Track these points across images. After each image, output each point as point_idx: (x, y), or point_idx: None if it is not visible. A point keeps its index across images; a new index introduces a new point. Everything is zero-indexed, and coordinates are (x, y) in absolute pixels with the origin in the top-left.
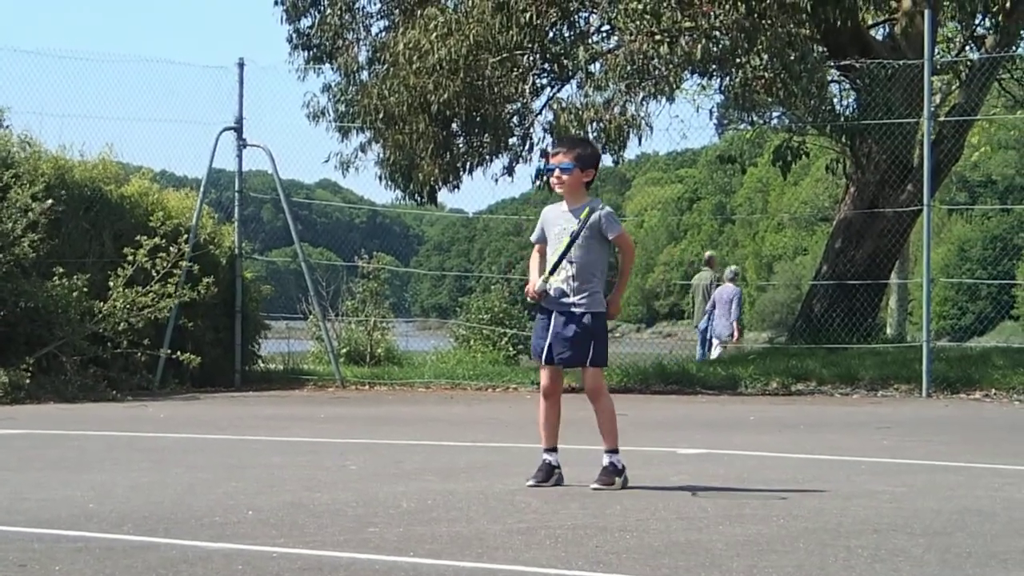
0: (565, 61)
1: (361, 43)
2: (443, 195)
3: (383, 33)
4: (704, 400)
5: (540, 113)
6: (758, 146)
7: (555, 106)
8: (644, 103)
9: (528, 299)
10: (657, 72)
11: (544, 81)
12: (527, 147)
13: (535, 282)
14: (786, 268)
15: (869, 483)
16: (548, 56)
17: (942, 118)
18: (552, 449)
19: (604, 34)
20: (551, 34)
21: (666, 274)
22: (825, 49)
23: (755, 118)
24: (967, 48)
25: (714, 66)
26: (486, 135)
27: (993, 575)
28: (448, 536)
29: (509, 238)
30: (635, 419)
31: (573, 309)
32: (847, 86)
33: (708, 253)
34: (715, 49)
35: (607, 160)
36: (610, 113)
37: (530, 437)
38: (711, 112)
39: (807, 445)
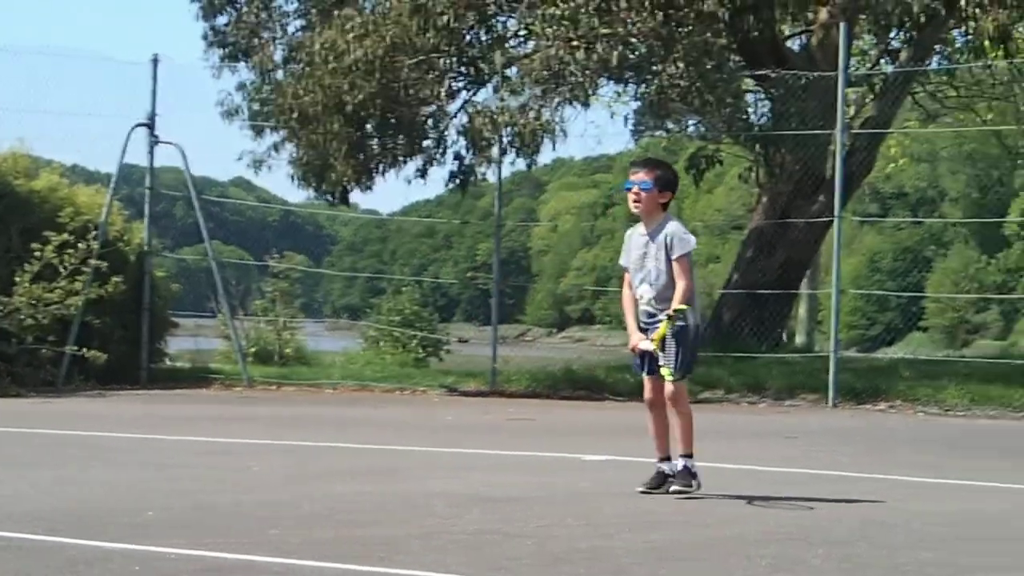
0: (482, 65)
1: (277, 42)
2: (356, 196)
3: (299, 33)
4: (613, 406)
5: (455, 116)
6: (673, 153)
7: (470, 109)
8: (559, 108)
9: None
10: (573, 78)
11: (460, 84)
12: (441, 150)
13: (635, 338)
14: (698, 275)
15: (773, 492)
16: (465, 59)
17: (855, 130)
18: (665, 458)
19: (521, 39)
20: (468, 38)
21: (579, 279)
22: (741, 59)
23: (670, 125)
24: (882, 61)
25: (630, 73)
26: (400, 137)
27: None
28: (351, 539)
29: (422, 240)
30: (542, 424)
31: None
32: (762, 96)
33: None
34: (632, 56)
35: (521, 164)
36: (525, 117)
37: (436, 440)
38: (626, 119)
39: (713, 454)
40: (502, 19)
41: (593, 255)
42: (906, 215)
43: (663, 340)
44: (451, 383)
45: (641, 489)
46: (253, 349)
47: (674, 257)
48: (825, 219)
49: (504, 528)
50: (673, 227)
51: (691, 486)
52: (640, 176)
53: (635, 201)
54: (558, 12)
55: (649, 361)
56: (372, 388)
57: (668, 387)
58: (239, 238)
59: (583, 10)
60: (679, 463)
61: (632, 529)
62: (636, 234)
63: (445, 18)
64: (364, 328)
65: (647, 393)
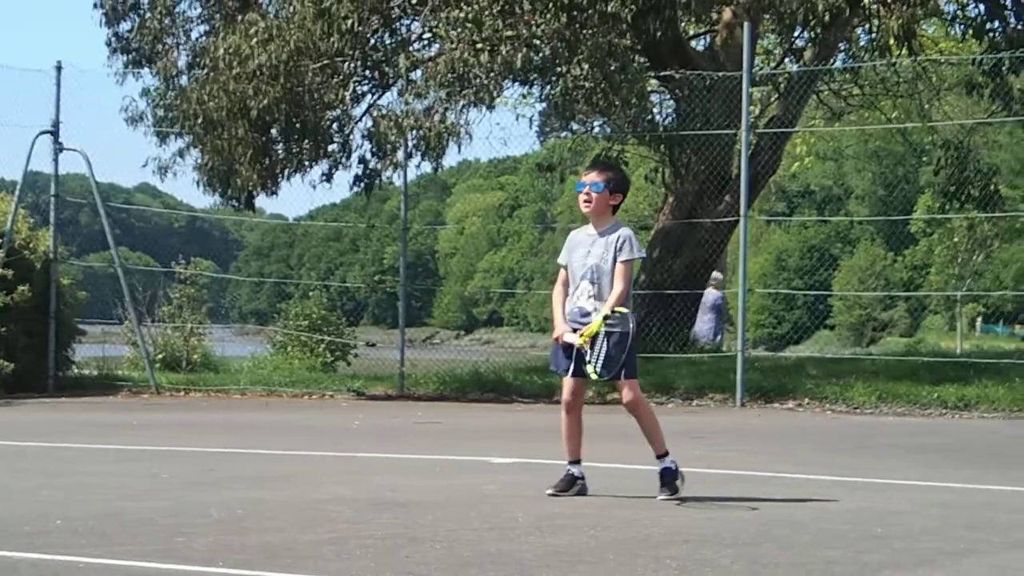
0: (386, 68)
1: (181, 48)
2: (262, 200)
3: (203, 38)
4: (521, 409)
5: (360, 120)
6: (579, 154)
7: (375, 113)
8: (464, 111)
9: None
10: (478, 80)
11: (365, 88)
12: (346, 154)
13: (560, 328)
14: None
15: (681, 493)
16: (369, 63)
17: (760, 129)
18: (575, 461)
19: (426, 42)
20: (372, 41)
21: (486, 281)
22: (646, 60)
23: (576, 127)
24: (786, 60)
25: (535, 75)
26: (306, 141)
27: None
28: (258, 546)
29: (329, 244)
30: (450, 427)
31: (606, 329)
32: (667, 96)
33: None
34: (536, 58)
35: (426, 167)
36: (430, 121)
37: (344, 445)
38: (531, 120)
39: (620, 455)
40: (406, 22)
41: (500, 257)
42: (812, 213)
43: (593, 338)
44: (359, 387)
45: (550, 492)
46: (160, 355)
47: (621, 259)
48: (731, 219)
49: (412, 532)
50: (627, 232)
51: (678, 489)
52: (592, 177)
53: (586, 201)
54: (462, 15)
55: (576, 362)
56: (280, 393)
57: (627, 394)
58: (145, 244)
59: (487, 12)
60: (658, 467)
61: (540, 532)
62: (582, 234)
63: (349, 22)
64: (272, 333)
65: (566, 395)
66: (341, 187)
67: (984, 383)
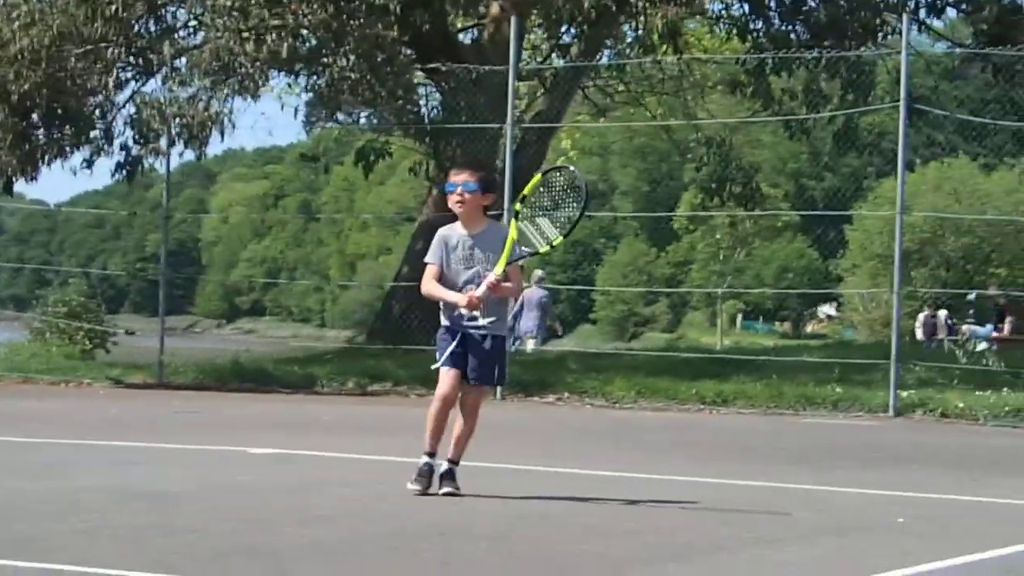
0: (151, 55)
1: None
2: (22, 186)
3: None
4: (280, 399)
5: (123, 107)
6: (346, 145)
7: (139, 100)
8: (229, 100)
9: (467, 310)
10: (243, 69)
11: (129, 75)
12: (108, 140)
13: (471, 294)
14: (370, 267)
15: (437, 486)
16: (133, 50)
17: (526, 124)
18: (432, 453)
19: (191, 30)
20: (137, 27)
21: (249, 270)
22: (413, 52)
23: (341, 117)
24: (553, 56)
25: (301, 65)
26: (67, 127)
27: None
28: (9, 536)
29: (91, 230)
30: (208, 418)
31: (484, 332)
32: (434, 89)
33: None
34: (302, 48)
35: (189, 155)
36: (194, 109)
37: (100, 434)
38: (297, 110)
39: (379, 447)
40: (172, 9)
41: (264, 247)
42: None
43: (490, 356)
44: (117, 375)
45: (419, 489)
46: None
47: (517, 257)
48: (495, 213)
49: (166, 523)
50: (506, 230)
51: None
52: (464, 177)
53: (458, 202)
54: (228, 3)
55: (455, 358)
56: (37, 380)
57: (476, 399)
58: None
59: (253, 1)
60: (445, 466)
61: (296, 524)
62: (455, 235)
63: (113, 7)
64: (30, 320)
65: (445, 388)
66: (103, 174)
67: (742, 379)
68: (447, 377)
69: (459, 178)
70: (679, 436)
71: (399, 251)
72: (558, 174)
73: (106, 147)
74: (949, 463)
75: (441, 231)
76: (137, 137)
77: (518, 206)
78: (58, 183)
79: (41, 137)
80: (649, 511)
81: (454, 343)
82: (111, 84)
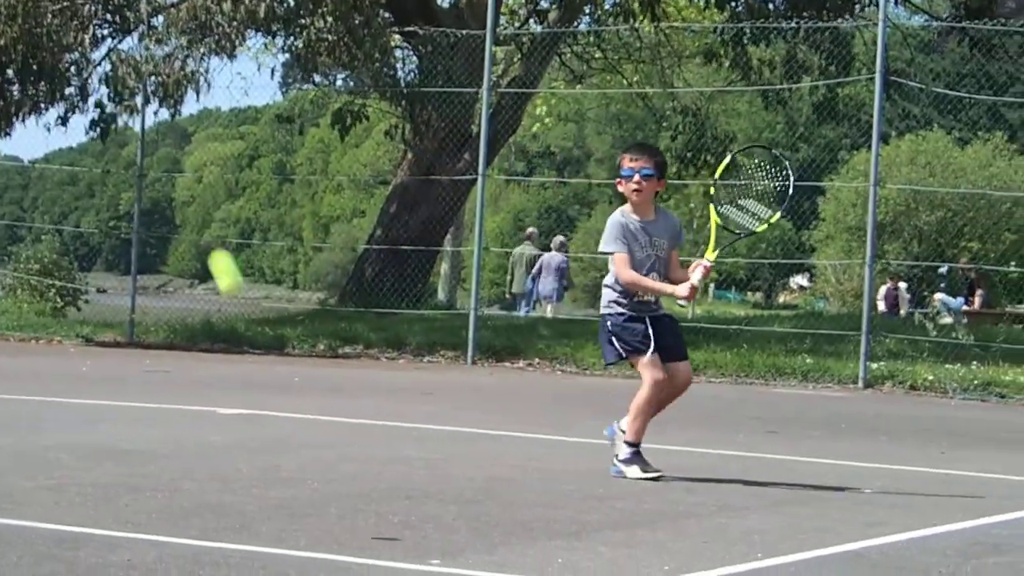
0: (127, 13)
1: None
2: None
3: None
4: (251, 360)
5: (99, 64)
6: (322, 107)
7: (114, 58)
8: (205, 59)
9: (685, 301)
10: (220, 29)
11: (105, 32)
12: (83, 97)
13: (692, 283)
14: (343, 230)
15: (407, 449)
16: (110, 7)
17: (502, 89)
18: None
19: None
20: None
21: (223, 231)
22: (390, 15)
23: (318, 79)
24: (530, 21)
25: (278, 26)
26: (42, 83)
27: (518, 543)
28: None
29: (64, 187)
30: (178, 377)
31: (666, 313)
32: (411, 52)
33: (530, 229)
34: (280, 9)
35: (164, 114)
36: (170, 67)
37: (70, 391)
38: (274, 71)
39: (349, 409)
40: None
41: (238, 207)
42: (552, 174)
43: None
44: (88, 333)
45: (658, 471)
46: None
47: (680, 245)
48: (470, 177)
49: (134, 482)
50: (677, 219)
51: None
52: (641, 163)
53: (636, 190)
54: None
55: (666, 347)
56: (8, 337)
57: (687, 374)
58: None
59: None
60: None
61: (264, 484)
62: (631, 222)
63: None
64: (1, 276)
65: (660, 373)
66: (78, 131)
67: (713, 348)
68: (658, 361)
69: (636, 164)
70: None
71: (372, 214)
72: (752, 155)
73: (81, 104)
74: (917, 435)
75: (617, 218)
76: (112, 95)
77: (712, 190)
78: (32, 139)
79: (16, 93)
80: (617, 478)
81: (649, 329)
82: (87, 41)
